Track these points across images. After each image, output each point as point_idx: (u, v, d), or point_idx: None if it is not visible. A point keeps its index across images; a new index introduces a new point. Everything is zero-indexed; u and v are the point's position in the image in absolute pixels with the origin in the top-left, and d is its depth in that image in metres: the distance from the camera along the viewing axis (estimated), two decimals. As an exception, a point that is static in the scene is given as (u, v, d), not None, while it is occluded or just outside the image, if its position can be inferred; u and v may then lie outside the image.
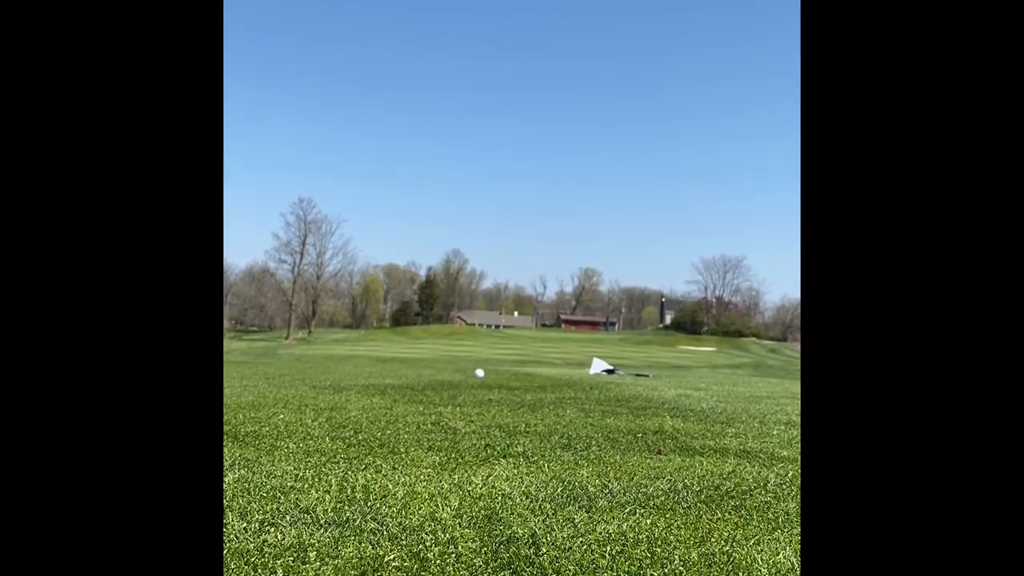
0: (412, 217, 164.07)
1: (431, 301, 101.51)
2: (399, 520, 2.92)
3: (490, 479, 3.76)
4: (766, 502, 3.44)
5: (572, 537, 2.74)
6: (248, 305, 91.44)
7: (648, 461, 4.49)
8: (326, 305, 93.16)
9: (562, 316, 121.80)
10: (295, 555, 2.47)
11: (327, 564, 2.40)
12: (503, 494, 3.41)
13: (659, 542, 2.72)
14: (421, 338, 72.74)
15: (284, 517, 2.93)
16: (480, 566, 2.43)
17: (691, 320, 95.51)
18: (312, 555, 2.47)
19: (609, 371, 19.78)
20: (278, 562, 2.40)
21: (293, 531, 2.74)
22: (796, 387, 14.20)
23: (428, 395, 8.85)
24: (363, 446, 4.79)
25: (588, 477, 3.90)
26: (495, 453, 4.62)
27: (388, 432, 5.46)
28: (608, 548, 2.63)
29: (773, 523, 3.06)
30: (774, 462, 4.66)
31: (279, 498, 3.24)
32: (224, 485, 3.42)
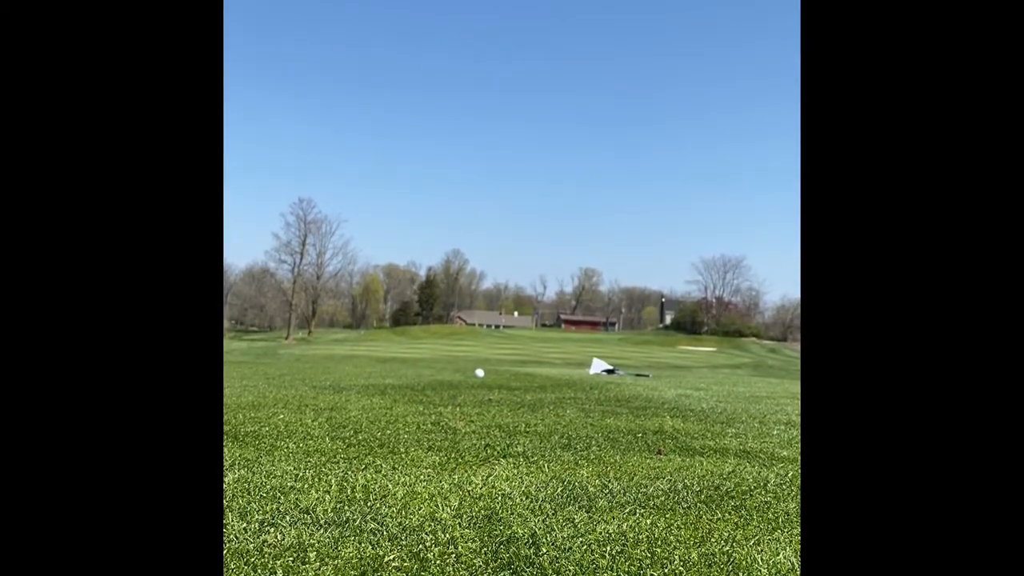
0: (412, 217, 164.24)
1: (431, 301, 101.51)
2: (399, 520, 2.92)
3: (490, 479, 3.76)
4: (766, 502, 3.44)
5: (572, 537, 2.74)
6: (248, 305, 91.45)
7: (648, 461, 4.49)
8: (326, 305, 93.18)
9: (562, 316, 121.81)
10: (295, 555, 2.47)
11: (327, 564, 2.40)
12: (503, 494, 3.41)
13: (659, 542, 2.72)
14: (421, 338, 72.75)
15: (284, 517, 2.93)
16: (480, 566, 2.43)
17: (691, 320, 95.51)
18: (312, 555, 2.47)
19: (609, 371, 19.78)
20: (278, 562, 2.40)
21: (293, 531, 2.74)
22: (796, 387, 14.20)
23: (428, 395, 8.86)
24: (363, 446, 4.79)
25: (588, 477, 3.90)
26: (495, 453, 4.62)
27: (388, 432, 5.46)
28: (608, 548, 2.63)
29: (773, 523, 3.05)
30: (774, 462, 4.66)
31: (279, 498, 3.24)
32: (224, 485, 3.42)
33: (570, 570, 2.41)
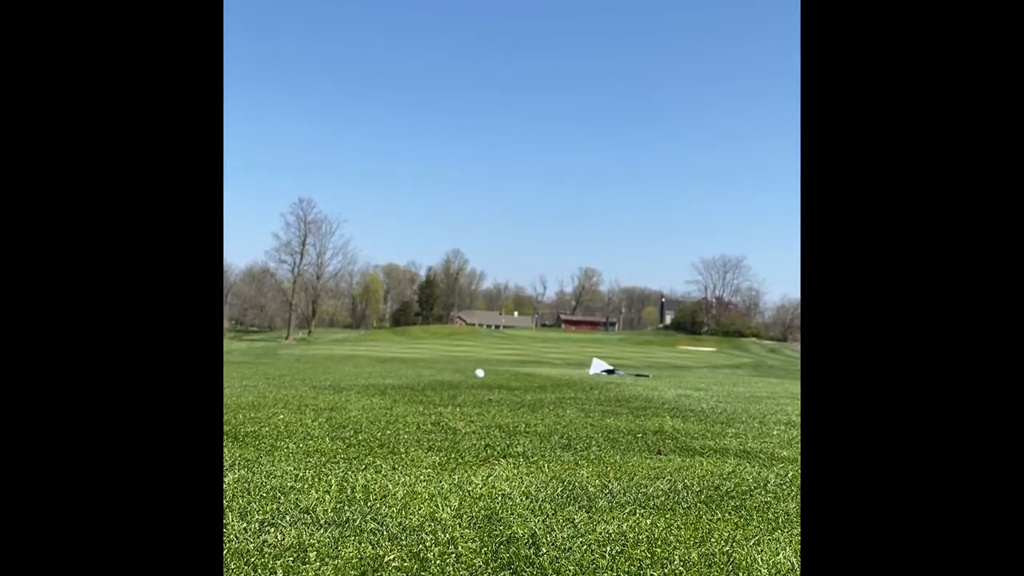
0: (412, 217, 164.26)
1: (431, 301, 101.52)
2: (399, 520, 2.92)
3: (490, 479, 3.76)
4: (766, 502, 3.44)
5: (572, 537, 2.74)
6: (248, 305, 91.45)
7: (648, 461, 4.49)
8: (326, 305, 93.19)
9: (562, 316, 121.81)
10: (295, 555, 2.47)
11: (327, 564, 2.40)
12: (503, 494, 3.41)
13: (659, 542, 2.72)
14: (421, 338, 72.75)
15: (284, 517, 2.93)
16: (480, 566, 2.43)
17: (691, 320, 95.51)
18: (312, 555, 2.47)
19: (609, 371, 19.78)
20: (278, 562, 2.40)
21: (293, 531, 2.74)
22: (796, 387, 14.20)
23: (428, 395, 8.85)
24: (363, 446, 4.79)
25: (588, 477, 3.90)
26: (495, 453, 4.62)
27: (388, 432, 5.46)
28: (608, 548, 2.63)
29: (773, 523, 3.05)
30: (774, 462, 4.66)
31: (279, 498, 3.24)
32: (224, 485, 3.42)
33: (570, 570, 2.41)
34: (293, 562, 2.41)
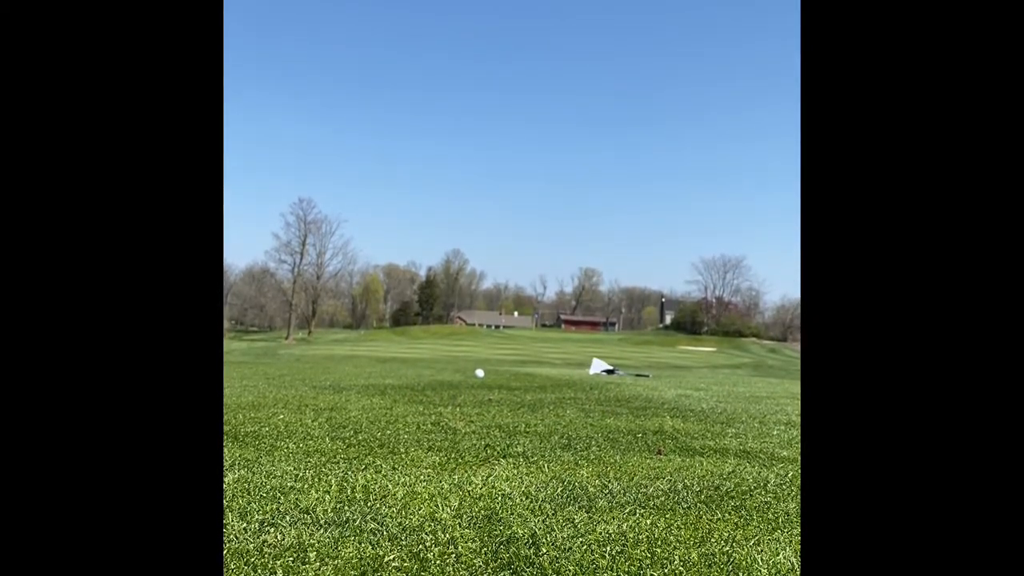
0: (412, 217, 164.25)
1: (431, 301, 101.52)
2: (399, 520, 2.92)
3: (490, 479, 3.76)
4: (766, 502, 3.44)
5: (572, 537, 2.74)
6: (248, 305, 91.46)
7: (648, 461, 4.49)
8: (326, 305, 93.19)
9: (562, 316, 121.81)
10: (295, 555, 2.47)
11: (327, 564, 2.40)
12: (503, 494, 3.41)
13: (659, 542, 2.72)
14: (421, 338, 72.76)
15: (284, 517, 2.93)
16: (480, 566, 2.43)
17: (691, 320, 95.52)
18: (312, 555, 2.47)
19: (609, 371, 19.78)
20: (278, 562, 2.40)
21: (293, 531, 2.74)
22: (796, 387, 14.20)
23: (428, 395, 8.86)
24: (363, 446, 4.79)
25: (588, 477, 3.90)
26: (495, 453, 4.62)
27: (388, 432, 5.46)
28: (608, 548, 2.63)
29: (773, 523, 3.05)
30: (774, 462, 4.66)
31: (279, 498, 3.24)
32: (224, 485, 3.42)
33: (570, 570, 2.41)
34: (293, 562, 2.41)
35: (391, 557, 2.48)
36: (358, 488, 3.46)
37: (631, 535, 2.80)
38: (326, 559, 2.45)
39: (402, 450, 4.65)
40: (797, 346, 64.69)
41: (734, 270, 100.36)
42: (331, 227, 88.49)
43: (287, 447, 4.65)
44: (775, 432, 6.23)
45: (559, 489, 3.56)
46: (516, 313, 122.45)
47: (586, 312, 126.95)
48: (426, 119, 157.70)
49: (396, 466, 4.08)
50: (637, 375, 19.86)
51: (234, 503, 3.12)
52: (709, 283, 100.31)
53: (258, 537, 2.66)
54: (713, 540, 2.77)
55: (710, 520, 3.08)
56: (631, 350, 61.90)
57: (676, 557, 2.56)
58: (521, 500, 3.31)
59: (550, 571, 2.41)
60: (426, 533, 2.75)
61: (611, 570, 2.43)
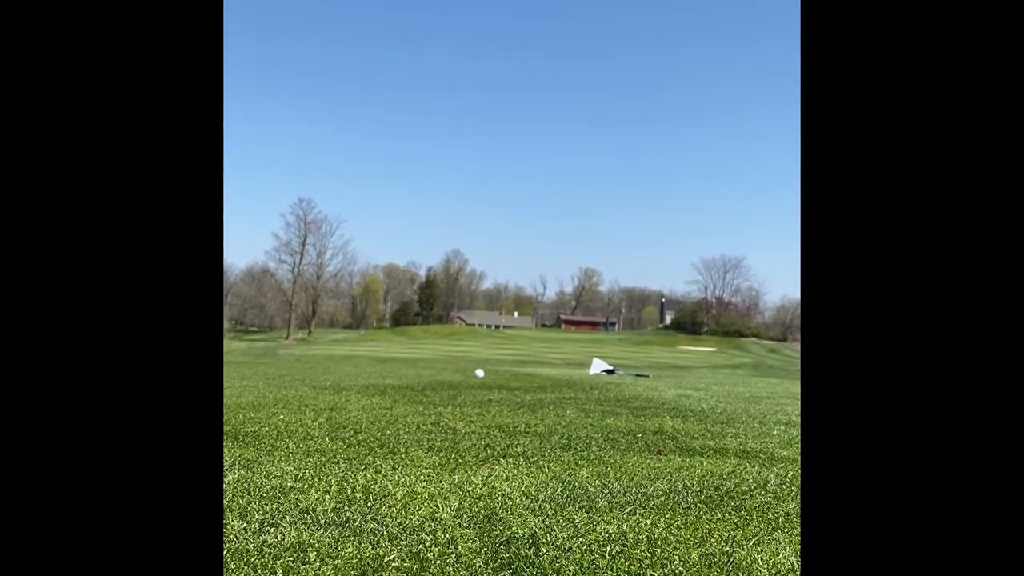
0: (412, 217, 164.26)
1: (431, 301, 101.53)
2: (399, 520, 2.92)
3: (490, 479, 3.76)
4: (766, 502, 3.44)
5: (572, 537, 2.74)
6: (248, 305, 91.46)
7: (648, 461, 4.49)
8: (326, 305, 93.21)
9: (562, 316, 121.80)
10: (295, 555, 2.47)
11: (327, 564, 2.40)
12: (503, 494, 3.41)
13: (659, 542, 2.72)
14: (421, 338, 72.76)
15: (284, 517, 2.93)
16: (480, 566, 2.43)
17: (691, 320, 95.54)
18: (312, 555, 2.47)
19: (609, 371, 19.78)
20: (278, 562, 2.40)
21: (293, 531, 2.74)
22: (796, 387, 14.20)
23: (428, 395, 8.86)
24: (363, 446, 4.79)
25: (588, 477, 3.90)
26: (495, 453, 4.62)
27: (388, 432, 5.46)
28: (608, 548, 2.63)
29: (773, 523, 3.05)
30: (774, 462, 4.66)
31: (279, 498, 3.24)
32: (224, 485, 3.42)
33: (570, 570, 2.41)
34: (293, 562, 2.41)
35: (391, 557, 2.48)
36: (358, 488, 3.46)
37: (631, 535, 2.80)
38: (326, 559, 2.45)
39: (402, 450, 4.65)
40: (797, 346, 64.71)
41: (734, 270, 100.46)
42: (331, 227, 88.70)
43: (287, 447, 4.65)
44: (775, 432, 6.23)
45: (559, 489, 3.56)
46: (516, 313, 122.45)
47: (586, 312, 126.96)
48: (426, 119, 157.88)
49: (396, 466, 4.08)
50: (637, 375, 19.86)
51: (234, 503, 3.12)
52: (709, 283, 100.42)
53: (258, 537, 2.66)
54: (713, 540, 2.77)
55: (710, 520, 3.08)
56: (631, 350, 61.91)
57: (676, 557, 2.56)
58: (521, 500, 3.31)
59: (550, 571, 2.41)
60: (426, 533, 2.75)
61: (611, 570, 2.43)
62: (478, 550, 2.58)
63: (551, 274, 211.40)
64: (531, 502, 3.27)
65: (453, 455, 4.49)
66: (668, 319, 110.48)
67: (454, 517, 2.98)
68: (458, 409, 7.26)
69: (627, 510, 3.19)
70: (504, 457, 4.49)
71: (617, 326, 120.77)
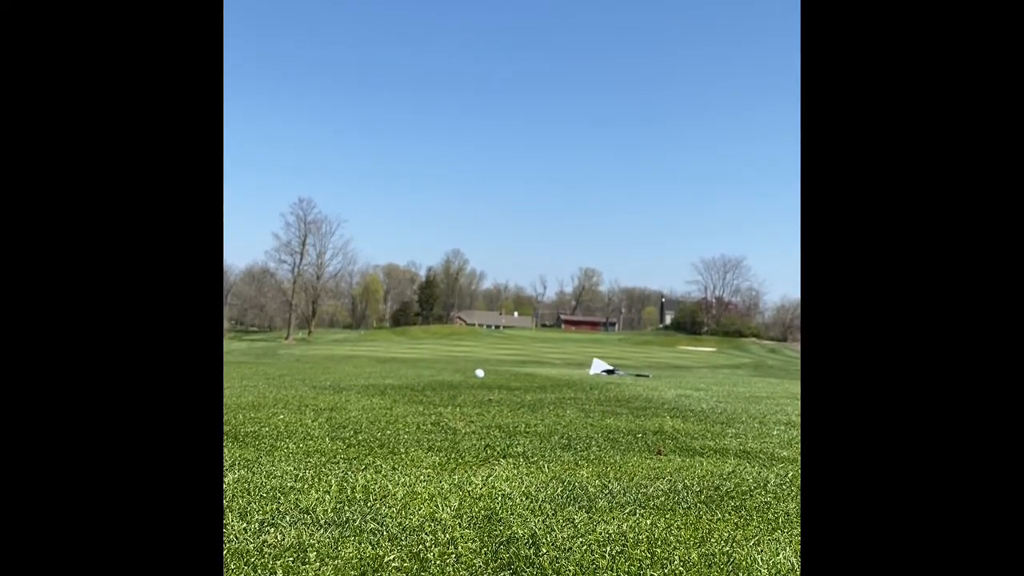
0: (412, 217, 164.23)
1: (431, 301, 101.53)
2: (399, 520, 2.92)
3: (490, 479, 3.76)
4: (766, 502, 3.44)
5: (572, 537, 2.74)
6: (248, 305, 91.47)
7: (648, 461, 4.49)
8: (326, 305, 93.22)
9: (562, 316, 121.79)
10: (295, 555, 2.47)
11: (327, 564, 2.40)
12: (503, 494, 3.41)
13: (659, 542, 2.72)
14: (421, 338, 72.76)
15: (284, 517, 2.93)
16: (480, 566, 2.43)
17: (691, 320, 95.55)
18: (312, 555, 2.47)
19: (609, 371, 19.78)
20: (278, 562, 2.40)
21: (293, 531, 2.74)
22: (796, 387, 14.20)
23: (428, 395, 8.86)
24: (363, 446, 4.79)
25: (588, 477, 3.90)
26: (495, 453, 4.62)
27: (388, 432, 5.46)
28: (608, 548, 2.63)
29: (773, 523, 3.05)
30: (774, 462, 4.66)
31: (279, 498, 3.24)
32: (224, 485, 3.42)
33: (570, 570, 2.41)
34: (293, 562, 2.41)
35: (391, 557, 2.48)
36: (358, 488, 3.46)
37: (631, 535, 2.80)
38: (326, 559, 2.45)
39: (402, 450, 4.65)
40: (797, 346, 64.72)
41: (734, 270, 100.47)
42: (331, 227, 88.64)
43: (287, 447, 4.65)
44: (775, 432, 6.23)
45: (559, 489, 3.56)
46: (516, 313, 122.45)
47: (586, 312, 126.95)
48: (426, 119, 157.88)
49: (396, 466, 4.08)
50: (637, 375, 19.86)
51: (234, 503, 3.12)
52: (709, 283, 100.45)
53: (258, 537, 2.66)
54: (713, 540, 2.77)
55: (710, 520, 3.08)
56: (631, 350, 61.91)
57: (676, 557, 2.56)
58: (521, 500, 3.31)
59: (550, 571, 2.41)
60: (426, 533, 2.75)
61: (611, 570, 2.43)
62: (478, 550, 2.58)
63: (551, 274, 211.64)
64: (531, 502, 3.27)
65: (453, 455, 4.49)
66: (668, 319, 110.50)
67: (454, 517, 2.98)
68: (458, 409, 7.26)
69: (627, 510, 3.19)
70: (504, 457, 4.49)
71: (617, 326, 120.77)
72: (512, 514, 3.05)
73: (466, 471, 3.98)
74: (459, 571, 2.39)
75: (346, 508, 3.09)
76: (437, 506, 3.15)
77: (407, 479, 3.70)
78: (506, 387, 10.57)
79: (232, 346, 59.15)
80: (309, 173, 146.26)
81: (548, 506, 3.21)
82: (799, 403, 2.65)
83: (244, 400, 7.67)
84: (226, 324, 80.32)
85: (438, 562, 2.45)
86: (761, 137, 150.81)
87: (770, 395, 11.33)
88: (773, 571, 2.46)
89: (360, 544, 2.60)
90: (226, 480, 3.56)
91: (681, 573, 2.42)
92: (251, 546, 2.56)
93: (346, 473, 3.83)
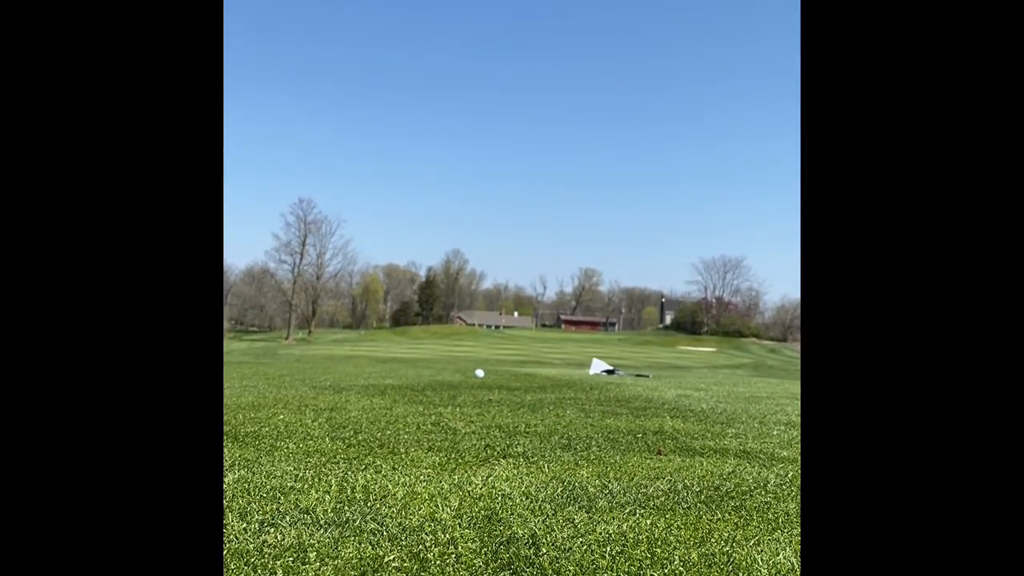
0: (412, 217, 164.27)
1: (431, 301, 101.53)
2: (399, 520, 2.92)
3: (490, 479, 3.76)
4: (766, 502, 3.44)
5: (572, 537, 2.74)
6: (248, 305, 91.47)
7: (648, 461, 4.49)
8: (326, 305, 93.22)
9: (562, 316, 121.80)
10: (295, 555, 2.47)
11: (327, 565, 2.40)
12: (503, 494, 3.41)
13: (659, 542, 2.72)
14: (421, 338, 72.76)
15: (284, 517, 2.93)
16: (480, 566, 2.43)
17: (691, 320, 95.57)
18: (312, 556, 2.47)
19: (609, 371, 19.78)
20: (278, 563, 2.40)
21: (293, 531, 2.74)
22: (796, 387, 14.19)
23: (428, 395, 8.85)
24: (363, 446, 4.79)
25: (588, 477, 3.90)
26: (495, 453, 4.62)
27: (388, 432, 5.46)
28: (608, 548, 2.63)
29: (773, 523, 3.05)
30: (774, 462, 4.66)
31: (279, 498, 3.24)
32: (224, 485, 3.42)
33: (570, 570, 2.41)
34: (293, 562, 2.41)
35: (391, 557, 2.48)
36: (358, 488, 3.46)
37: (631, 535, 2.80)
38: (326, 559, 2.45)
39: (402, 450, 4.65)
40: (797, 346, 64.73)
41: (734, 270, 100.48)
42: (331, 227, 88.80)
43: (287, 447, 4.65)
44: (775, 432, 6.23)
45: (559, 489, 3.56)
46: (516, 313, 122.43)
47: (586, 312, 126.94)
48: (426, 119, 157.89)
49: (396, 466, 4.08)
50: (637, 375, 19.85)
51: (234, 503, 3.12)
52: (709, 283, 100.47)
53: (258, 537, 2.66)
54: (713, 540, 2.77)
55: (710, 520, 3.08)
56: (631, 350, 61.91)
57: (676, 557, 2.56)
58: (521, 500, 3.31)
59: (550, 571, 2.41)
60: (426, 533, 2.75)
61: (611, 570, 2.43)
62: (478, 550, 2.58)
63: (551, 274, 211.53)
64: (531, 502, 3.27)
65: (453, 455, 4.49)
66: (668, 319, 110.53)
67: (454, 517, 2.98)
68: (458, 409, 7.26)
69: (627, 510, 3.19)
70: (504, 457, 4.49)
71: (617, 326, 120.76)
72: (512, 514, 3.05)
73: (466, 471, 3.98)
74: (459, 571, 2.39)
75: (346, 508, 3.09)
76: (437, 506, 3.15)
77: (407, 479, 3.70)
78: (506, 387, 10.57)
79: (232, 346, 59.15)
80: (309, 173, 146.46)
81: (548, 506, 3.21)
82: (799, 403, 2.65)
83: (244, 400, 7.67)
84: (226, 324, 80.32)
85: (438, 562, 2.45)
86: (761, 137, 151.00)
87: (770, 395, 11.33)
88: (773, 571, 2.46)
89: (360, 544, 2.60)
90: (226, 480, 3.56)
91: (681, 573, 2.42)
92: (251, 546, 2.56)
93: (346, 473, 3.83)
